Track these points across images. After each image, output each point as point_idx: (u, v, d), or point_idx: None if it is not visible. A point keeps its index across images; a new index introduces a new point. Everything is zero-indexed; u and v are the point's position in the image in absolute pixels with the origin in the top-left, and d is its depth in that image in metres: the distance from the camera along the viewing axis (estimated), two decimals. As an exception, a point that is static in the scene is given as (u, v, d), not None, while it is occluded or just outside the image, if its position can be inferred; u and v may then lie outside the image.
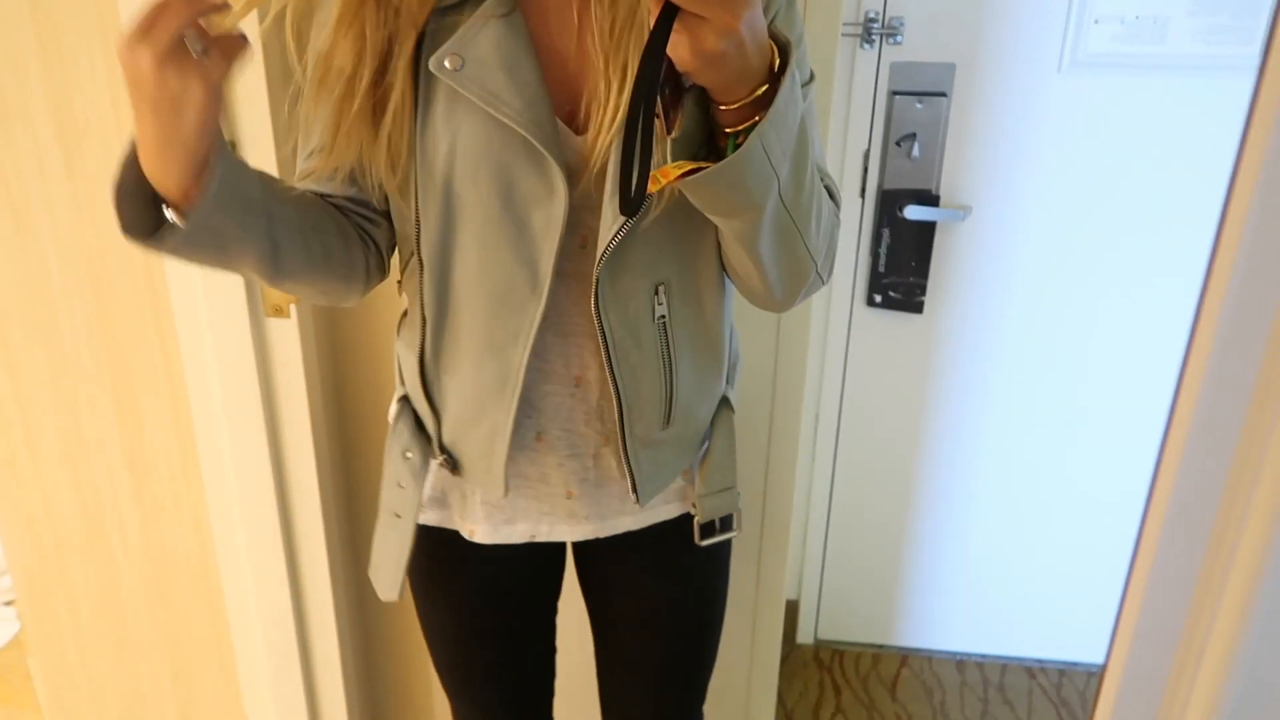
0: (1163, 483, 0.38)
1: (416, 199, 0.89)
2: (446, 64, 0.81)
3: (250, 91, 1.25)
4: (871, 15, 1.73)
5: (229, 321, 1.36)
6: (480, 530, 1.04)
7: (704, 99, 0.77)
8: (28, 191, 1.39)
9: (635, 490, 0.99)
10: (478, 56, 0.82)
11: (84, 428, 1.53)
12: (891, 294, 1.91)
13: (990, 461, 2.03)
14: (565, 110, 0.86)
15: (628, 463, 0.97)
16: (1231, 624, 0.37)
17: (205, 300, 1.36)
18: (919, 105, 1.77)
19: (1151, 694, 0.40)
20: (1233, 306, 0.34)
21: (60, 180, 1.37)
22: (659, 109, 0.73)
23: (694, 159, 0.77)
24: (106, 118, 1.34)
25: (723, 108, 0.75)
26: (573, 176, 0.85)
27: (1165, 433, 0.38)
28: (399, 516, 1.04)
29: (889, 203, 1.83)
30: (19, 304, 1.46)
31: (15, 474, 1.58)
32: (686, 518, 1.08)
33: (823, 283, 0.92)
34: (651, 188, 0.74)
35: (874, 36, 1.75)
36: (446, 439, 0.99)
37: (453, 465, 1.01)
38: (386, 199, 0.95)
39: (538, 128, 0.82)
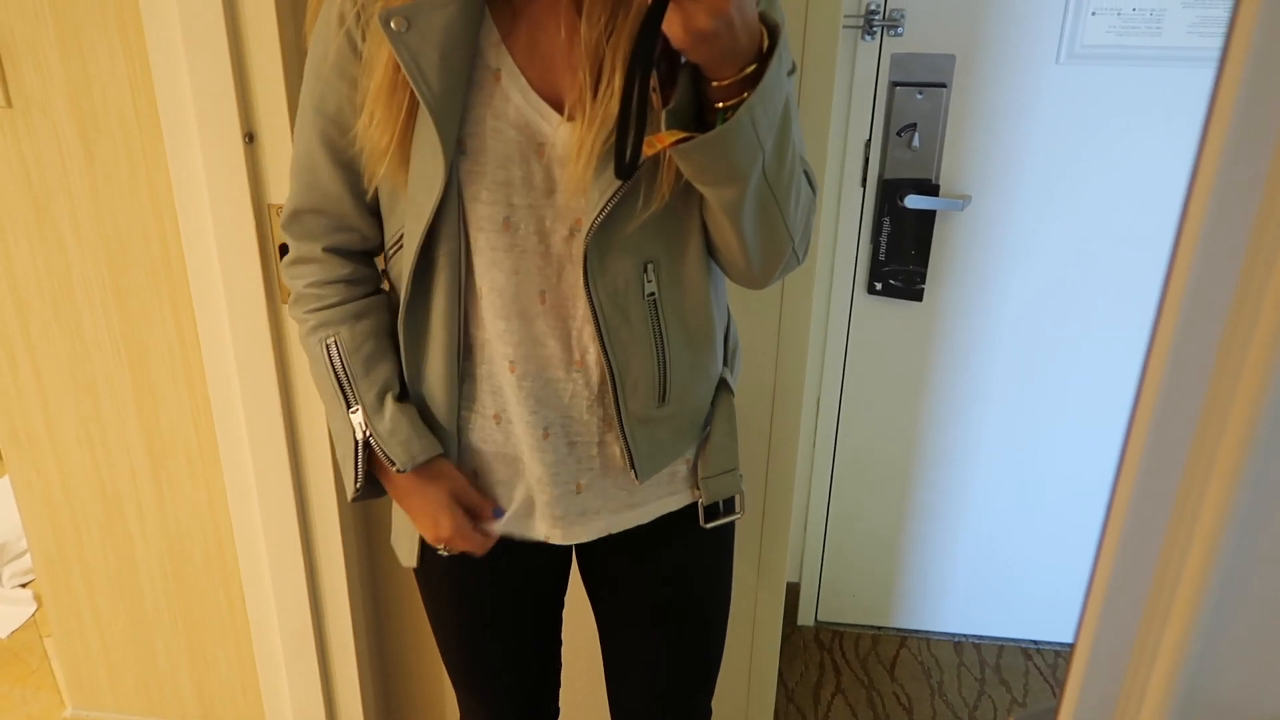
0: (1126, 469, 0.41)
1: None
2: (393, 24, 0.84)
3: (268, 82, 1.28)
4: (873, 7, 1.76)
5: (246, 306, 1.39)
6: (495, 525, 1.05)
7: (697, 76, 0.82)
8: (48, 181, 1.42)
9: (634, 466, 1.00)
10: (423, 28, 0.85)
11: (103, 411, 1.57)
12: (892, 282, 1.94)
13: (988, 447, 2.06)
14: (557, 98, 0.89)
15: (624, 438, 0.99)
16: (1186, 612, 0.40)
17: (222, 285, 1.39)
18: (919, 96, 1.79)
19: (1115, 672, 0.43)
20: (1193, 294, 0.37)
21: (80, 170, 1.41)
22: (654, 82, 0.81)
23: (686, 130, 0.82)
24: (125, 109, 1.37)
25: (714, 84, 0.81)
26: (565, 163, 0.89)
27: (1130, 416, 0.41)
28: None
29: (889, 192, 1.86)
30: (40, 290, 1.49)
31: (36, 456, 1.61)
32: (690, 509, 1.09)
33: (798, 262, 0.98)
34: (646, 151, 0.82)
35: (875, 28, 1.77)
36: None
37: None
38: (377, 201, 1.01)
39: (444, 116, 0.86)
